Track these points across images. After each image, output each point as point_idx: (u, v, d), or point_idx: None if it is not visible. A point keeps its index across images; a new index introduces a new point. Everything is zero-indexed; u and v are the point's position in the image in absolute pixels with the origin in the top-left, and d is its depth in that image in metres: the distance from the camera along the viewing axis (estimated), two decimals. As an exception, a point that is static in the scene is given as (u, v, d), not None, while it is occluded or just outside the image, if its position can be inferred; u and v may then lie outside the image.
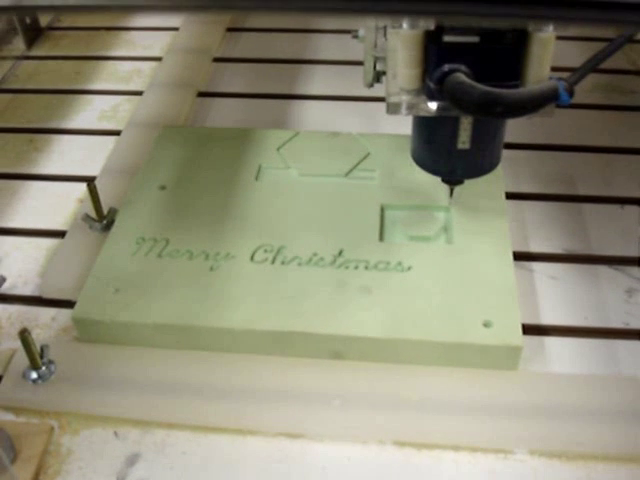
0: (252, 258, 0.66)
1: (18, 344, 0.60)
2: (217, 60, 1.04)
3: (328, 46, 1.05)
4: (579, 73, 0.54)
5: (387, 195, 0.72)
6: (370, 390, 0.59)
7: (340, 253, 0.66)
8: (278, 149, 0.78)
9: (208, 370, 0.61)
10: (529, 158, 0.83)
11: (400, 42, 0.53)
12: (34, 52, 1.08)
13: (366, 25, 0.61)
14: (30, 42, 1.09)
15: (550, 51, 0.52)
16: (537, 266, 0.70)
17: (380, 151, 0.77)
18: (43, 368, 0.61)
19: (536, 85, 0.52)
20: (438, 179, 0.64)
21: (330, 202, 0.71)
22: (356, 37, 0.64)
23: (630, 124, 0.89)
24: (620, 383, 0.60)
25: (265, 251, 0.66)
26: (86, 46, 1.09)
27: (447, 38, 0.51)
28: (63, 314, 0.68)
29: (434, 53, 0.52)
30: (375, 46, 0.62)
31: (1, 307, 0.69)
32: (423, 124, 0.60)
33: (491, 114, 0.51)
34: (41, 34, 1.12)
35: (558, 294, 0.68)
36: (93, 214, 0.73)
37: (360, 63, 0.63)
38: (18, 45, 1.08)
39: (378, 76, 0.64)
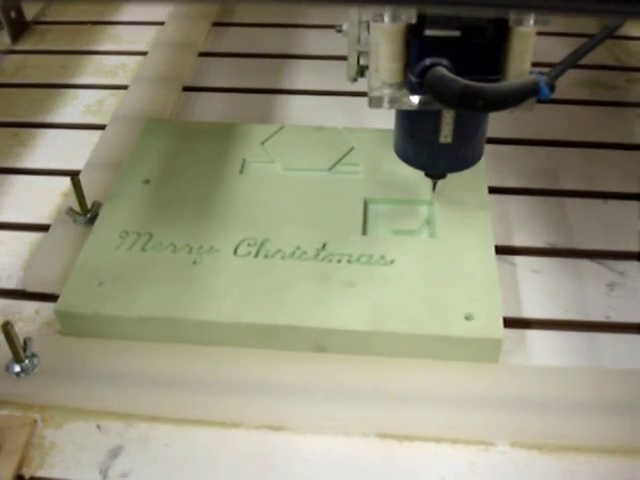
0: (235, 252, 0.66)
1: (1, 337, 0.60)
2: (203, 55, 1.04)
3: (313, 41, 1.05)
4: (560, 68, 0.54)
5: (370, 189, 0.72)
6: (353, 383, 0.59)
7: (323, 247, 0.66)
8: (262, 143, 0.78)
9: (191, 363, 0.61)
10: (513, 153, 0.84)
11: (382, 36, 0.53)
12: (19, 46, 1.08)
13: (350, 19, 0.61)
14: (15, 36, 1.09)
15: (531, 45, 0.52)
16: (520, 260, 0.71)
17: (364, 145, 0.77)
18: (26, 361, 0.61)
19: (517, 79, 0.53)
20: (421, 173, 0.64)
21: (314, 196, 0.72)
22: (340, 31, 0.64)
23: (613, 119, 0.89)
24: (600, 376, 0.60)
25: (249, 245, 0.67)
26: (72, 40, 1.08)
27: (428, 32, 0.52)
28: (47, 307, 0.68)
29: (415, 47, 0.52)
30: (358, 40, 0.62)
31: (-15, 301, 0.69)
32: (405, 118, 0.60)
33: (472, 108, 0.51)
34: (27, 28, 1.11)
35: (540, 287, 0.68)
36: (77, 208, 0.73)
37: (345, 58, 0.63)
38: (3, 39, 1.08)
39: (362, 70, 0.64)
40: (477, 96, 0.50)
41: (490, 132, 0.61)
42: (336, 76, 0.87)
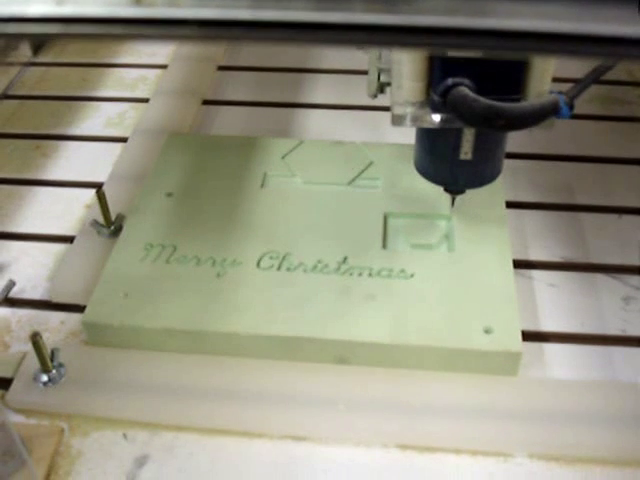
0: (258, 264, 0.67)
1: (28, 347, 0.62)
2: (221, 68, 1.05)
3: (332, 55, 1.06)
4: (579, 87, 0.56)
5: (390, 203, 0.73)
6: (374, 394, 0.60)
7: (344, 260, 0.67)
8: (283, 157, 0.79)
9: (215, 374, 0.62)
10: (529, 168, 0.85)
11: (405, 56, 0.54)
12: (41, 59, 1.10)
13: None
14: (37, 49, 1.11)
15: (551, 66, 0.53)
16: (536, 274, 0.72)
17: (383, 160, 0.78)
18: (53, 371, 0.62)
19: (537, 99, 0.54)
20: (440, 188, 0.65)
21: (334, 210, 0.73)
22: (361, 48, 0.65)
23: (627, 134, 0.90)
24: (616, 388, 0.61)
25: (271, 258, 0.68)
26: (92, 53, 1.10)
27: (451, 52, 0.53)
28: (72, 318, 0.69)
29: (438, 67, 0.54)
30: (379, 58, 0.63)
31: (11, 311, 0.71)
32: (426, 135, 0.62)
33: (493, 127, 0.52)
34: (47, 40, 1.13)
35: (557, 301, 0.69)
36: (101, 220, 0.74)
37: (364, 72, 0.64)
38: (25, 51, 1.09)
39: (382, 87, 0.65)
40: (499, 116, 0.51)
41: (507, 147, 0.63)
42: (355, 90, 0.89)
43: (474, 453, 0.58)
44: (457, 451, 0.58)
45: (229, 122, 0.94)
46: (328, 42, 0.29)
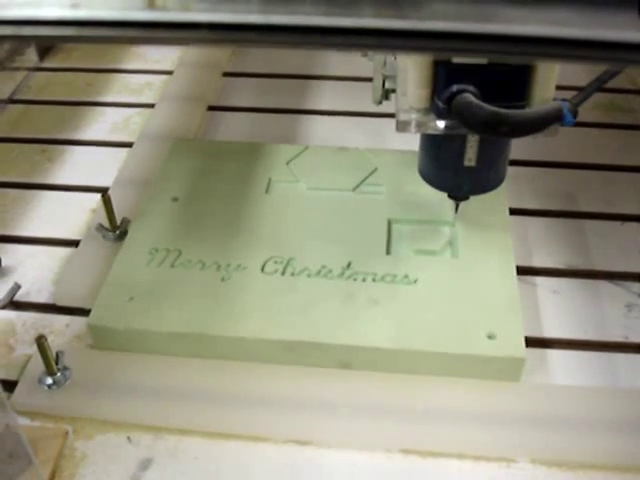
0: (263, 269, 0.68)
1: (33, 350, 0.62)
2: (227, 74, 1.05)
3: (337, 62, 1.06)
4: (583, 94, 0.56)
5: (394, 209, 0.74)
6: (377, 399, 0.61)
7: (348, 265, 0.68)
8: (287, 163, 0.80)
9: (219, 378, 0.62)
10: (532, 175, 0.85)
11: (410, 63, 0.55)
12: (46, 64, 1.10)
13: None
14: (42, 54, 1.11)
15: (555, 73, 0.54)
16: (540, 280, 0.72)
17: (387, 166, 0.79)
18: (58, 374, 0.62)
19: (541, 106, 0.54)
20: (443, 194, 0.66)
21: (338, 215, 0.73)
22: (365, 56, 0.65)
23: (630, 142, 0.91)
24: (619, 395, 0.62)
25: (275, 262, 0.68)
26: (98, 58, 1.10)
27: (456, 59, 0.53)
28: (77, 321, 0.70)
29: (443, 74, 0.54)
30: (384, 65, 0.64)
31: (16, 314, 0.71)
32: (431, 141, 0.62)
33: (497, 133, 0.52)
34: (53, 46, 1.13)
35: (560, 308, 0.70)
36: (107, 224, 0.75)
37: (368, 79, 0.64)
38: (31, 56, 1.10)
39: (387, 94, 0.65)
40: (503, 122, 0.51)
41: (510, 154, 0.63)
42: (359, 97, 0.89)
43: (477, 458, 0.58)
44: (460, 456, 0.58)
45: (234, 128, 0.94)
46: (338, 46, 0.30)
